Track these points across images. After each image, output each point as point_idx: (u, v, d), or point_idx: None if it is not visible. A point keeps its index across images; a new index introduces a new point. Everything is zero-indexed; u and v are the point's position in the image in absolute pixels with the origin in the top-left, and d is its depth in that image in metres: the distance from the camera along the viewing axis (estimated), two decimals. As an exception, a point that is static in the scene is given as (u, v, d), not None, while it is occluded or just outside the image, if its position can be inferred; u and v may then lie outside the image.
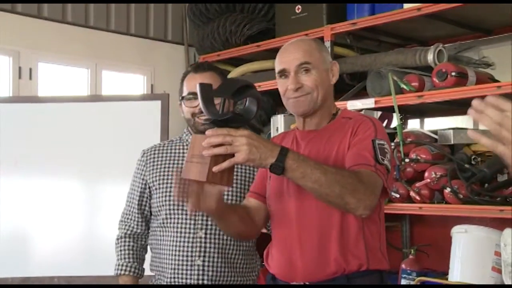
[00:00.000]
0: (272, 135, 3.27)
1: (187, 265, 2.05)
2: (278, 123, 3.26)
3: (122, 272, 2.15)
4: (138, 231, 2.19)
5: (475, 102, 1.13)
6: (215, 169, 1.49)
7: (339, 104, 2.79)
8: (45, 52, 3.38)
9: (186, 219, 2.07)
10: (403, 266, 2.82)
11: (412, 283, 2.75)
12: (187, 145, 2.17)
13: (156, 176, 2.16)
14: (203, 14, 3.65)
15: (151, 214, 2.18)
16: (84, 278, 2.92)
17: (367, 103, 2.87)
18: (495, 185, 2.52)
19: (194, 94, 2.06)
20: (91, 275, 2.91)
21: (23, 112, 3.06)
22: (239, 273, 2.11)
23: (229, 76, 3.65)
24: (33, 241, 3.03)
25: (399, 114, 2.81)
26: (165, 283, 2.09)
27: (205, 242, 2.07)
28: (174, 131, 2.91)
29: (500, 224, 2.48)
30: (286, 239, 1.72)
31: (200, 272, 2.05)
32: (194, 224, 2.08)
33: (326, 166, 1.56)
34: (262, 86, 3.30)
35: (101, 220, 3.03)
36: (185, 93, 2.13)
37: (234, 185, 2.06)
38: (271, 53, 3.46)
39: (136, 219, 2.19)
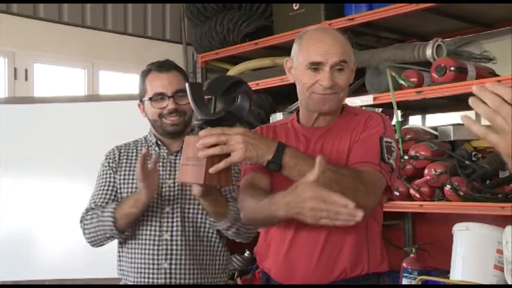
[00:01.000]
0: (271, 134, 3.27)
1: (153, 268, 2.00)
2: (277, 121, 3.26)
3: (113, 210, 1.98)
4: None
5: (474, 88, 1.08)
6: (211, 170, 1.46)
7: (338, 101, 2.77)
8: (41, 53, 3.37)
9: (151, 221, 2.02)
10: (404, 265, 2.79)
11: (413, 282, 2.72)
12: (151, 145, 2.13)
13: (121, 177, 2.10)
14: (200, 12, 3.65)
15: None
16: (85, 280, 2.90)
17: (366, 99, 2.84)
18: (496, 181, 2.49)
19: (161, 94, 2.02)
20: (93, 277, 2.88)
21: (19, 112, 3.04)
22: (208, 274, 2.06)
23: (228, 74, 3.66)
24: (33, 243, 3.01)
25: (399, 111, 2.78)
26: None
27: (172, 245, 2.00)
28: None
29: (502, 221, 2.45)
30: (284, 240, 1.65)
31: (167, 276, 1.99)
32: (160, 226, 2.02)
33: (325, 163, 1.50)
34: (261, 84, 3.31)
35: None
36: (150, 94, 2.05)
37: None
38: (269, 51, 3.47)
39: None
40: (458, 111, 3.24)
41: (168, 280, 1.98)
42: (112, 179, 2.11)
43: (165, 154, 2.10)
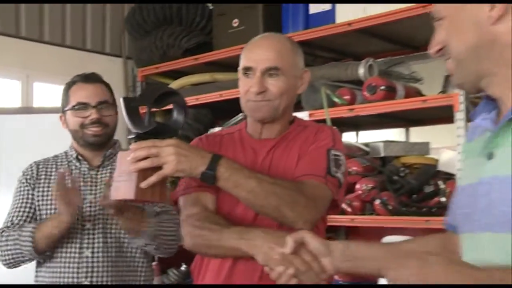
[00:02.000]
0: (209, 148, 3.29)
1: (73, 285, 1.98)
2: (215, 136, 3.28)
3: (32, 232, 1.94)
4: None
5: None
6: (143, 184, 1.40)
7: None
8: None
9: (72, 238, 1.99)
10: (335, 277, 2.82)
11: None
12: (71, 160, 2.11)
13: (40, 194, 2.07)
14: (140, 26, 3.66)
15: None
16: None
17: (302, 116, 2.85)
18: (421, 196, 2.59)
19: (85, 104, 2.02)
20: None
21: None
22: None
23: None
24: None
25: (333, 127, 2.87)
26: None
27: (92, 262, 1.99)
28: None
29: (427, 234, 2.53)
30: (225, 264, 1.56)
31: None
32: (81, 243, 2.00)
33: (262, 175, 1.48)
34: (200, 99, 3.34)
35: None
36: (73, 103, 2.05)
37: None
38: (209, 66, 3.50)
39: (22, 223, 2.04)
40: (388, 128, 3.41)
41: None
42: (30, 196, 2.07)
43: (85, 169, 2.08)
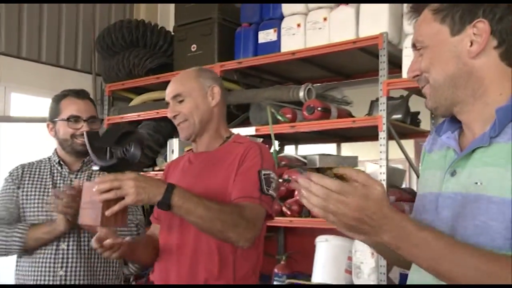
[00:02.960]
0: (168, 157, 3.49)
1: (49, 275, 2.09)
2: (173, 146, 3.48)
3: (24, 235, 2.05)
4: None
5: (301, 181, 1.04)
6: (107, 213, 1.52)
7: (226, 131, 3.07)
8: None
9: None
10: (275, 270, 3.09)
11: (283, 284, 3.03)
12: (54, 165, 2.24)
13: (23, 193, 2.17)
14: (109, 47, 3.80)
15: None
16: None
17: (249, 131, 3.09)
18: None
19: (77, 117, 2.18)
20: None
21: None
22: (101, 281, 2.16)
23: (132, 103, 3.84)
24: None
25: (276, 141, 3.12)
26: None
27: (68, 253, 2.10)
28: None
29: (354, 234, 2.87)
30: (166, 249, 1.81)
31: (62, 282, 2.08)
32: (58, 237, 2.11)
33: (209, 202, 1.60)
34: (160, 112, 3.46)
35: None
36: (66, 115, 2.17)
37: None
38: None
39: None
40: (323, 143, 3.66)
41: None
42: (14, 193, 2.19)
43: (66, 173, 2.24)
